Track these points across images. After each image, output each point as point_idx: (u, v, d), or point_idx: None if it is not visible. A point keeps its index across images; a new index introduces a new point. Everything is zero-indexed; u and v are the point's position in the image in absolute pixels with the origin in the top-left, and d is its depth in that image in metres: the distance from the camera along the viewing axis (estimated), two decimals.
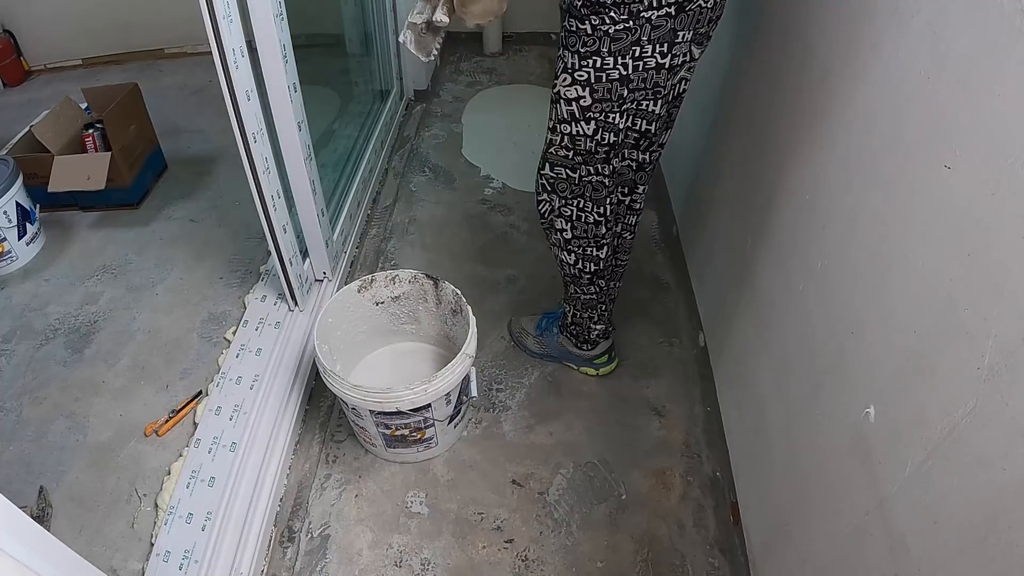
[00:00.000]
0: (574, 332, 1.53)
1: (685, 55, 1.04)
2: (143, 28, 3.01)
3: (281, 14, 1.27)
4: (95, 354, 1.62)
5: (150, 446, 1.41)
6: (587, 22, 0.99)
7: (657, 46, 1.00)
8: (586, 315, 1.47)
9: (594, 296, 1.42)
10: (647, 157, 1.27)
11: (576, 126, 1.12)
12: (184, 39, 3.06)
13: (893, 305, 0.74)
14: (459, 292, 1.38)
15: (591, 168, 1.19)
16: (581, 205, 1.25)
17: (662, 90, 1.08)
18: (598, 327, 1.50)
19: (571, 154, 1.17)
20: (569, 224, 1.29)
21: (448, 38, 3.20)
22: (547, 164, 1.23)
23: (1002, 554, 0.56)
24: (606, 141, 1.13)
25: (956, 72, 0.64)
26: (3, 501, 0.60)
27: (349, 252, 1.88)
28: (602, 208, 1.25)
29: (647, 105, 1.11)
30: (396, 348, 1.59)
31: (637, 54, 1.00)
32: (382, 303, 1.48)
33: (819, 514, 0.91)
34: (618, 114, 1.09)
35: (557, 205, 1.27)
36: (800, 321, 1.00)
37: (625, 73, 1.03)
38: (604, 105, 1.07)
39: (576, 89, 1.07)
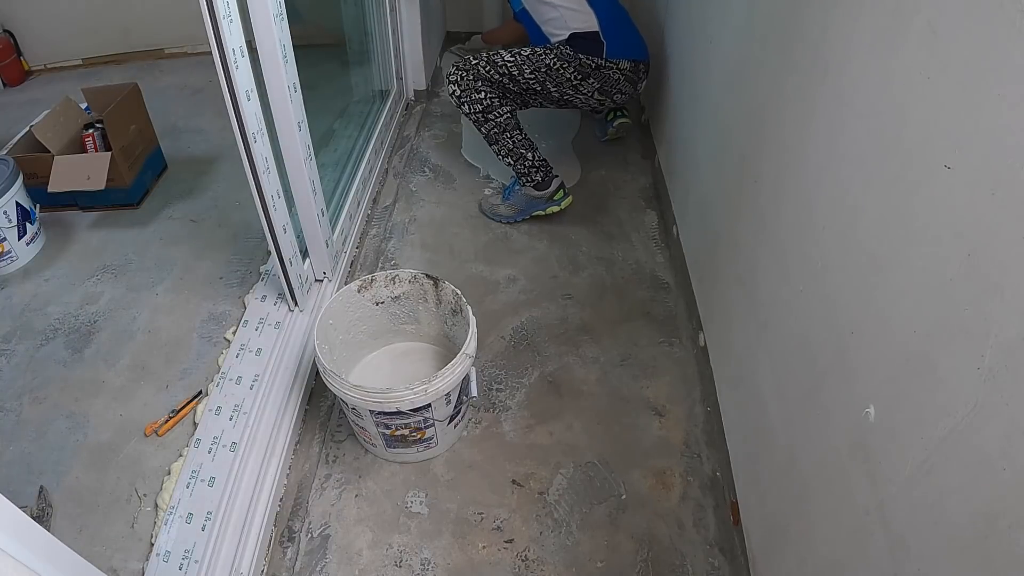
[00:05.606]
0: (529, 179, 1.96)
1: None
2: (143, 28, 3.02)
3: (281, 14, 1.28)
4: (95, 354, 1.62)
5: (150, 446, 1.41)
6: None
7: None
8: (527, 159, 1.95)
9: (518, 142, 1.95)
10: None
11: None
12: (184, 39, 3.06)
13: (893, 305, 0.74)
14: (459, 292, 1.38)
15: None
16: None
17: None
18: (539, 164, 1.95)
19: None
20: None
21: (448, 38, 3.21)
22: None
23: (1002, 554, 0.56)
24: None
25: (956, 72, 0.64)
26: (3, 501, 0.60)
27: (349, 252, 1.88)
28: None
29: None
30: (396, 348, 1.59)
31: None
32: (382, 303, 1.48)
33: (819, 514, 0.91)
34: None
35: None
36: (800, 321, 1.00)
37: None
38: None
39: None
